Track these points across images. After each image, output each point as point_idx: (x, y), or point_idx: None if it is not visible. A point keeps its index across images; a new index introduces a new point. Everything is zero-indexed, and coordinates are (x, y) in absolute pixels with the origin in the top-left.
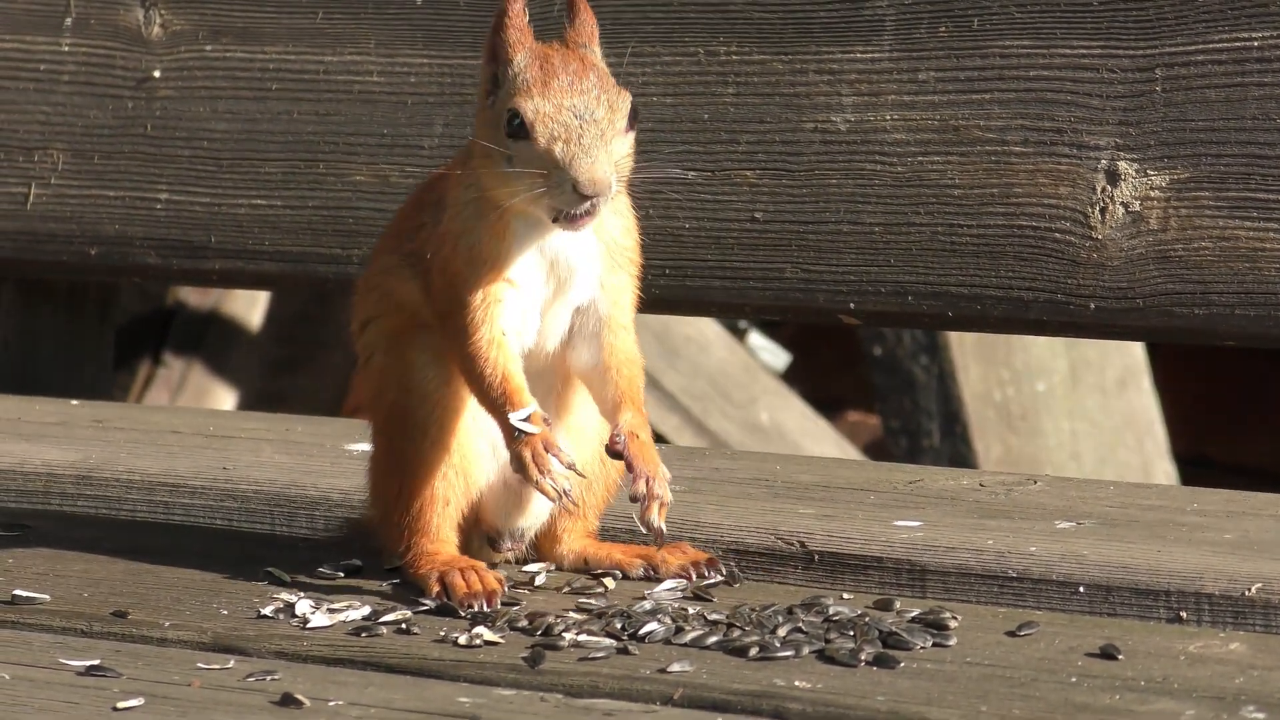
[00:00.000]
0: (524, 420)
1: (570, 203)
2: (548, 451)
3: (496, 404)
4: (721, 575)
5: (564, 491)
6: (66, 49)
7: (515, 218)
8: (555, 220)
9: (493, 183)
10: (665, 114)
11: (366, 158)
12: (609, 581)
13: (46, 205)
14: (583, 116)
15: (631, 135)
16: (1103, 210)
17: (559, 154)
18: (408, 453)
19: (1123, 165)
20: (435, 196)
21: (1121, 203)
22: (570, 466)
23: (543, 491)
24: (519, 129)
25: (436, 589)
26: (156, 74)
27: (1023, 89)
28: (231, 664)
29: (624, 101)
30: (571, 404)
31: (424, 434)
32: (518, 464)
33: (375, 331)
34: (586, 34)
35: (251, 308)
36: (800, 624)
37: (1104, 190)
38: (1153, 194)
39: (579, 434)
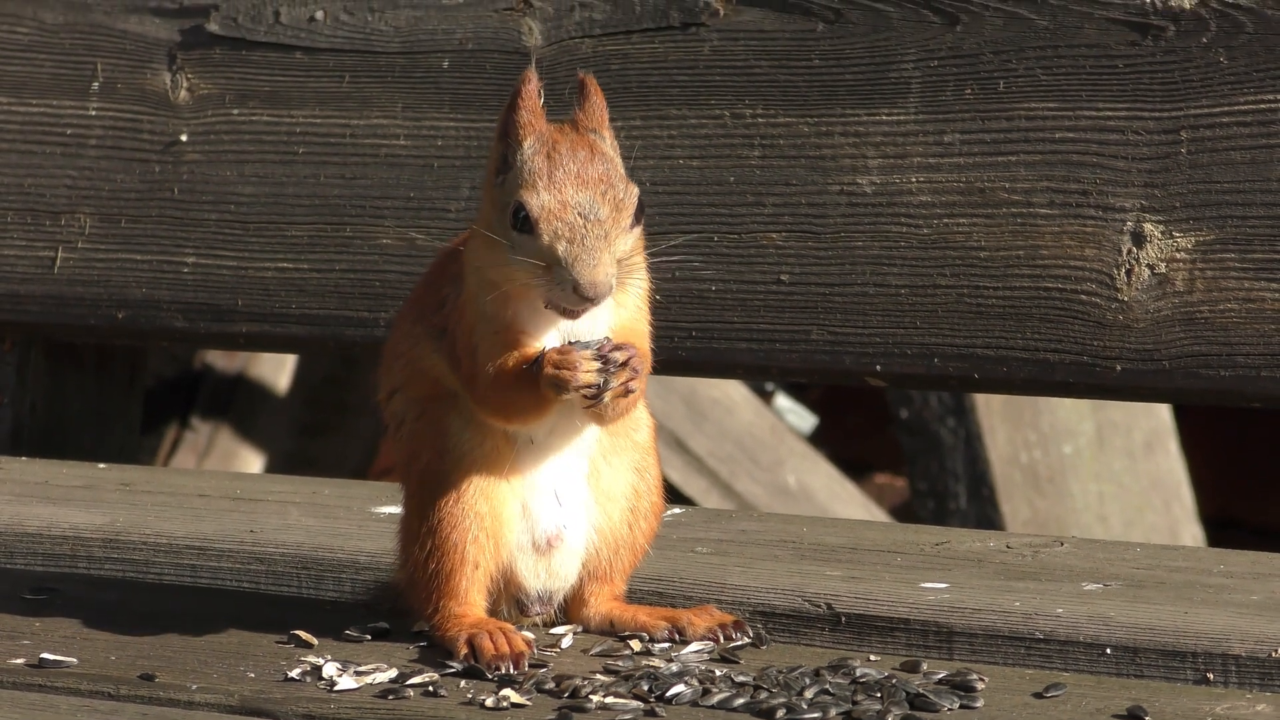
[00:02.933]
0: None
1: (569, 301)
2: (565, 355)
3: (521, 378)
4: (748, 637)
5: (597, 386)
6: (94, 113)
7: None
8: (549, 307)
9: (495, 267)
10: (691, 176)
11: (393, 221)
12: (635, 643)
13: (74, 269)
14: (587, 215)
15: (638, 230)
16: (1128, 272)
17: (561, 253)
18: (439, 516)
19: (1148, 227)
20: (456, 269)
21: (1147, 264)
22: (597, 356)
23: (575, 384)
24: (524, 222)
25: (464, 651)
26: (184, 138)
27: (1048, 151)
28: None
29: (630, 198)
30: (600, 470)
31: (456, 496)
32: (550, 380)
33: (402, 400)
34: (597, 118)
35: (279, 371)
36: (827, 686)
37: (1129, 252)
38: (1178, 256)
39: (607, 498)
